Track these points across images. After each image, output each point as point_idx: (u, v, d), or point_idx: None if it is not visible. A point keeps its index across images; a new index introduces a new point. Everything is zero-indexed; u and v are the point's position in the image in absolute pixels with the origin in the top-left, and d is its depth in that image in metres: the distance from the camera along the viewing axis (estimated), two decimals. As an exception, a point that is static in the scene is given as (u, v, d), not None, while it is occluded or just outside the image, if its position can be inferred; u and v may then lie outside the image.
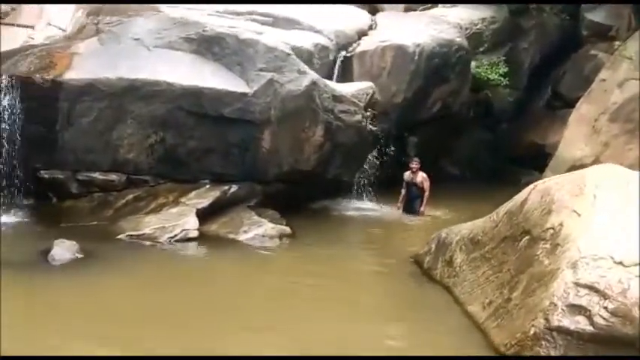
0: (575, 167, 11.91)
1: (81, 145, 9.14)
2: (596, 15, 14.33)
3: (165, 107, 9.29)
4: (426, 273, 7.71)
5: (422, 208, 10.89)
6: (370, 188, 11.30)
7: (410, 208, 10.97)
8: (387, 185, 11.24)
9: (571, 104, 13.51)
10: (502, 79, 14.00)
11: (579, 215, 5.54)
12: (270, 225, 9.05)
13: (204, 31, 10.04)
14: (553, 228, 5.69)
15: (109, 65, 9.31)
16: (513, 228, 6.37)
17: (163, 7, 11.25)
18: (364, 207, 11.16)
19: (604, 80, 12.39)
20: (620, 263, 5.08)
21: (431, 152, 13.46)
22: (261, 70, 9.71)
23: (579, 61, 14.54)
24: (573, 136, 12.60)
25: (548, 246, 5.65)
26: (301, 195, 10.42)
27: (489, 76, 13.99)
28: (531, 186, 6.47)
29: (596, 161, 12.20)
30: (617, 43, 12.46)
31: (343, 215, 10.71)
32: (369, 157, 11.27)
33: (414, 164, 11.07)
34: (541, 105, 15.36)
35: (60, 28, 10.62)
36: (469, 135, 14.79)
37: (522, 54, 15.19)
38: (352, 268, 8.03)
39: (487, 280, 6.44)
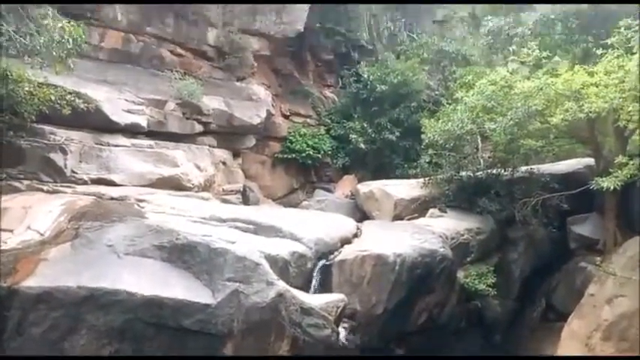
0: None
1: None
2: (583, 228, 14.29)
3: (124, 317, 8.98)
4: None
5: None
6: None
7: None
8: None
9: (565, 317, 12.95)
10: (490, 289, 13.64)
11: None
12: None
13: (176, 239, 10.12)
14: None
15: (72, 272, 9.21)
16: None
17: (149, 213, 11.56)
18: None
19: (593, 295, 11.99)
20: None
21: (422, 369, 12.75)
22: (228, 279, 9.57)
23: (570, 274, 14.20)
24: (567, 355, 11.88)
25: None
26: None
27: (477, 287, 13.65)
28: None
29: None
30: (597, 258, 12.20)
31: None
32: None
33: None
34: (535, 316, 14.75)
35: (38, 232, 10.72)
36: (461, 348, 14.05)
37: (512, 264, 14.97)
38: None
39: None
